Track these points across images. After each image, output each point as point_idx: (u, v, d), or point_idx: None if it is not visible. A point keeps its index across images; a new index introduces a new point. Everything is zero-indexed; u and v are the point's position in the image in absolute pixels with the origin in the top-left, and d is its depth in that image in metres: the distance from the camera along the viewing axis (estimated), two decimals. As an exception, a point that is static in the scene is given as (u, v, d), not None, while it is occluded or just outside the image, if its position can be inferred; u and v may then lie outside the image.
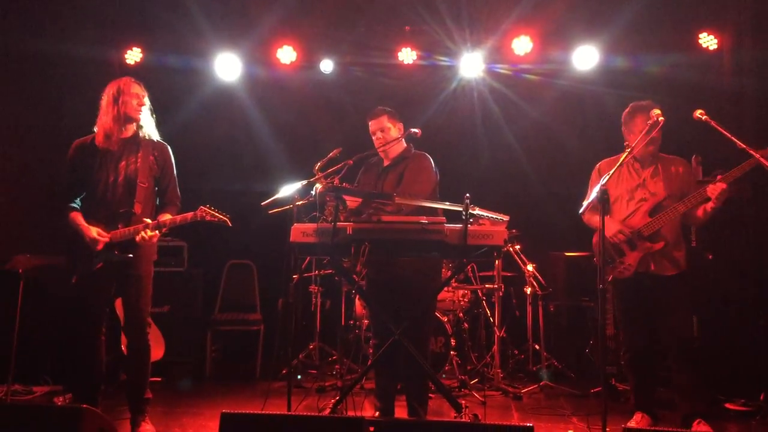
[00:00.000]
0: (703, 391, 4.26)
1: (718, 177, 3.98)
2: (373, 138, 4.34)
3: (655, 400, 4.38)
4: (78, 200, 4.16)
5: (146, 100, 4.21)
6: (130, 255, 4.04)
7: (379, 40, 6.69)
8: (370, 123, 4.35)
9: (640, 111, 4.24)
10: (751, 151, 3.86)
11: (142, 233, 4.00)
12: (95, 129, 4.15)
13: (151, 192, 4.19)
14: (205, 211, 4.08)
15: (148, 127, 4.23)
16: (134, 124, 4.18)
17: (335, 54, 6.78)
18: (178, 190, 4.31)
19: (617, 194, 4.36)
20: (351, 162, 4.08)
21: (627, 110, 4.36)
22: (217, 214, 4.09)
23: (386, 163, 4.37)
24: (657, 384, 4.44)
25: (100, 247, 4.00)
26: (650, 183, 4.29)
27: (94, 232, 3.99)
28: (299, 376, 5.79)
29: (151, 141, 4.23)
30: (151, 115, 4.26)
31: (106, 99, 4.13)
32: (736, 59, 6.03)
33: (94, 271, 4.02)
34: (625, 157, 4.01)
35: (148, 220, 4.05)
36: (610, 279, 4.34)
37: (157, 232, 4.06)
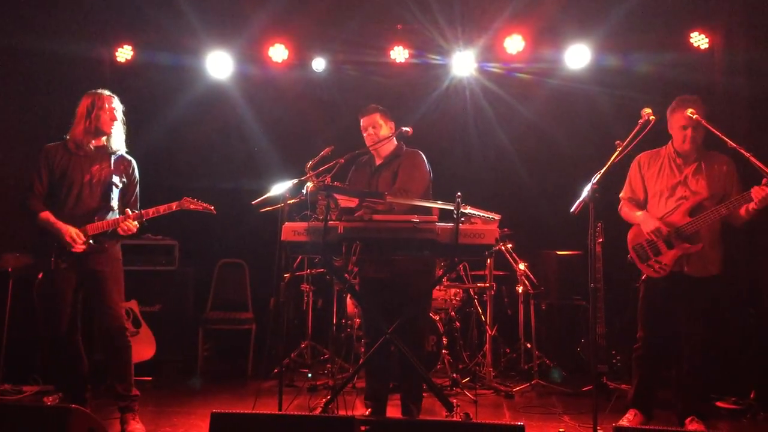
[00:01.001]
0: (702, 391, 4.25)
1: (764, 180, 3.82)
2: (365, 134, 4.34)
3: (654, 398, 4.35)
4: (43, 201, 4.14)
5: (119, 115, 4.25)
6: (106, 245, 4.09)
7: (371, 39, 6.67)
8: (362, 119, 4.35)
9: (682, 105, 4.13)
10: (742, 150, 3.86)
11: (125, 223, 4.06)
12: (66, 137, 4.20)
13: (122, 194, 4.26)
14: (188, 200, 4.18)
15: (118, 141, 4.28)
16: (105, 136, 4.23)
17: (327, 52, 6.75)
18: (138, 202, 4.36)
19: (656, 190, 4.26)
20: (342, 160, 4.08)
21: (673, 104, 4.22)
22: (201, 203, 4.19)
23: (378, 161, 4.36)
24: (657, 383, 4.40)
25: (78, 249, 4.00)
26: (692, 181, 4.17)
27: (73, 232, 3.99)
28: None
29: (121, 155, 4.30)
30: (123, 128, 4.31)
31: (79, 111, 4.18)
32: (727, 58, 6.04)
33: (62, 268, 4.02)
34: (615, 157, 3.89)
35: (129, 211, 4.12)
36: (644, 278, 4.27)
37: (137, 223, 4.11)
